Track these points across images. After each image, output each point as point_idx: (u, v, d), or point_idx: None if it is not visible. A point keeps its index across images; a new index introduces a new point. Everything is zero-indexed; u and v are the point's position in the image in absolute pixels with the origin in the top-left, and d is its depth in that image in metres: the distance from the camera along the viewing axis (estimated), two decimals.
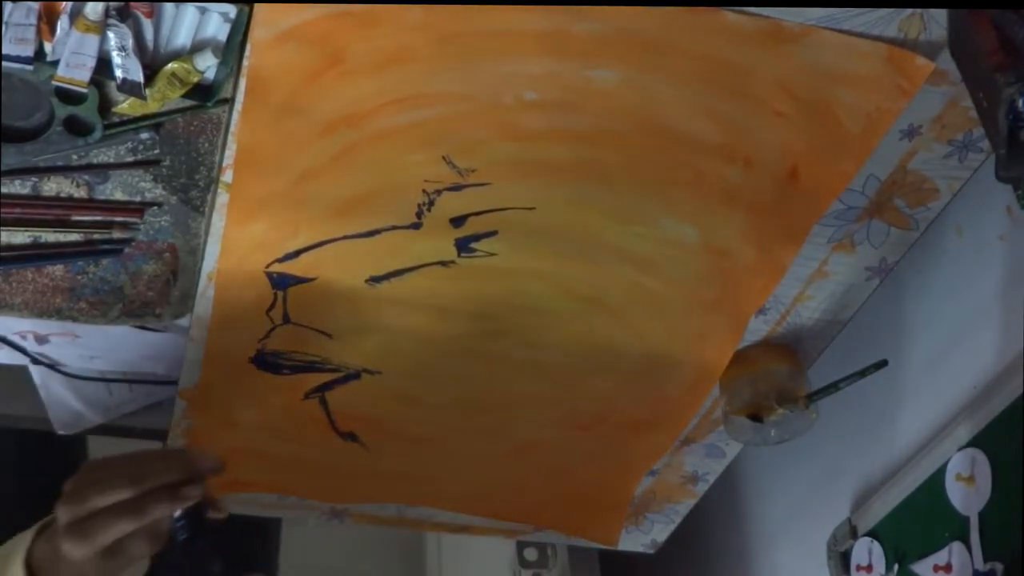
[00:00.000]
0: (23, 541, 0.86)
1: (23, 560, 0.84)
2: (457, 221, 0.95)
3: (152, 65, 0.80)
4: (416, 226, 0.94)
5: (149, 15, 0.78)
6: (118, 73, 0.79)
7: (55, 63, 0.78)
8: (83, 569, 0.84)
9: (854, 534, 1.16)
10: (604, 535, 1.32)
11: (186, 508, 0.86)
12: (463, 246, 0.97)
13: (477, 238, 0.96)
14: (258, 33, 0.81)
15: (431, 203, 0.93)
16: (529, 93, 0.86)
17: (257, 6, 0.79)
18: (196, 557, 0.88)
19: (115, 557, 0.84)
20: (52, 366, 1.10)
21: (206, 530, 0.90)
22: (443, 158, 0.90)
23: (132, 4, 0.77)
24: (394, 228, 0.94)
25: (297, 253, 0.95)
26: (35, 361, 1.09)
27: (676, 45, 0.84)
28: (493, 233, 0.96)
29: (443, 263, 0.98)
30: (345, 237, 0.94)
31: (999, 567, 0.96)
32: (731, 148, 0.92)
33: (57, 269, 0.93)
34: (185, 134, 0.87)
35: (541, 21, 0.82)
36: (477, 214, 0.94)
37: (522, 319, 1.03)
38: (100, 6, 0.75)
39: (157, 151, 0.88)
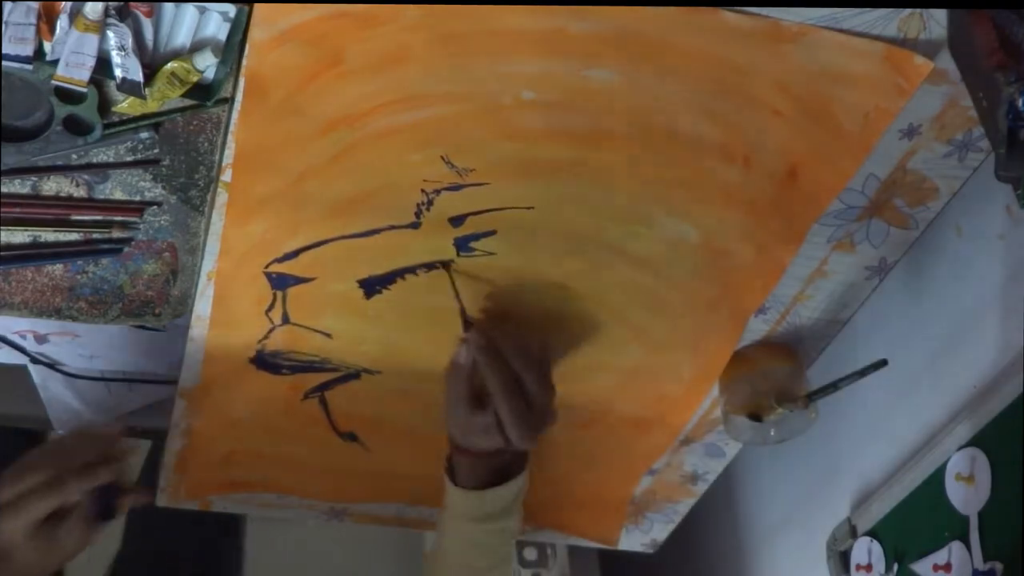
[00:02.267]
0: None
1: None
2: (456, 221, 0.95)
3: (152, 64, 0.80)
4: (415, 226, 0.94)
5: (149, 14, 0.78)
6: (118, 72, 0.79)
7: (54, 62, 0.78)
8: (25, 557, 0.91)
9: (854, 533, 1.16)
10: (604, 535, 1.32)
11: (99, 488, 0.94)
12: (462, 246, 0.97)
13: (476, 237, 0.96)
14: (257, 33, 0.80)
15: (430, 203, 0.93)
16: (527, 93, 0.86)
17: (256, 6, 0.79)
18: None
19: (50, 542, 0.92)
20: (52, 365, 1.10)
21: (114, 510, 0.97)
22: (442, 158, 0.90)
23: (132, 3, 0.77)
24: (393, 228, 0.94)
25: (296, 253, 0.95)
26: (35, 360, 1.09)
27: (674, 45, 0.84)
28: (492, 233, 0.96)
29: (442, 263, 0.98)
30: (344, 237, 0.94)
31: (999, 567, 0.96)
32: (730, 148, 0.92)
33: (56, 268, 0.93)
34: (185, 133, 0.87)
35: (539, 21, 0.82)
36: (476, 214, 0.94)
37: (520, 318, 1.02)
38: (100, 5, 0.75)
39: (157, 150, 0.88)
